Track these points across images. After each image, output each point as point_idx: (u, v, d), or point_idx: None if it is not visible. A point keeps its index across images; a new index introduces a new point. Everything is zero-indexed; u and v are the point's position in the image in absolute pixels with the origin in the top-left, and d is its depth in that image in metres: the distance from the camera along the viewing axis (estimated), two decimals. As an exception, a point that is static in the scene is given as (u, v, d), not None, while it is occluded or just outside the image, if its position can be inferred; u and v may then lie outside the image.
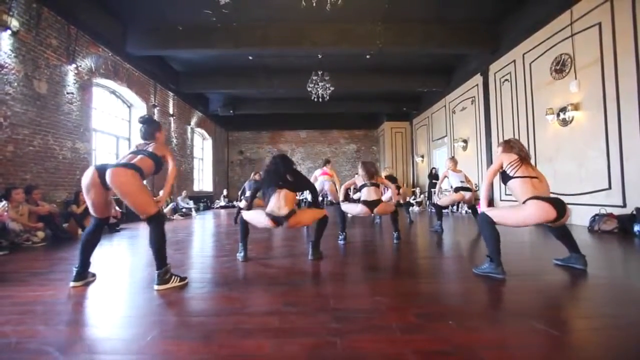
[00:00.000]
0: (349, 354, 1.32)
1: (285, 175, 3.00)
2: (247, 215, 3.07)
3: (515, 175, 2.50)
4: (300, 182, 3.11)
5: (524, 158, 2.55)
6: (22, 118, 4.91)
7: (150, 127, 2.57)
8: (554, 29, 5.93)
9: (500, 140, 7.23)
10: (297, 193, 3.14)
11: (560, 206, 2.35)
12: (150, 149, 2.43)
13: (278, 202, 2.90)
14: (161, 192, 2.56)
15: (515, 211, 2.43)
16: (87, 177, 2.21)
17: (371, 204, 4.00)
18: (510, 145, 2.68)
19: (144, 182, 2.36)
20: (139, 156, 2.37)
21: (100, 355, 1.36)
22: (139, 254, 3.72)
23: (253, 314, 1.79)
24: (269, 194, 2.96)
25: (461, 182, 5.02)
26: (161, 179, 9.17)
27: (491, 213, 2.46)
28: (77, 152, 6.03)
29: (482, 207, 2.57)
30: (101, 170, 2.18)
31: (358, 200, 4.30)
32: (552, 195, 2.50)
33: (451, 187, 5.22)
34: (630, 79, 4.62)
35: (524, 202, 2.43)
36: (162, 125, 2.83)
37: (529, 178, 2.47)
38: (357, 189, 4.24)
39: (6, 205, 3.02)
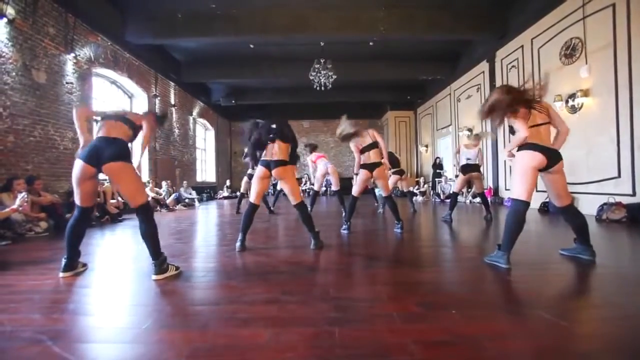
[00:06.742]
0: (348, 344, 1.28)
1: (282, 129, 3.10)
2: (252, 192, 3.16)
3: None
4: (292, 134, 3.21)
5: (531, 107, 2.38)
6: (22, 108, 4.88)
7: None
8: (564, 11, 5.71)
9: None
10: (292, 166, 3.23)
11: (550, 153, 2.36)
12: (127, 116, 2.51)
13: (271, 150, 3.06)
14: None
15: (515, 173, 2.43)
16: (78, 170, 2.24)
17: (370, 166, 3.91)
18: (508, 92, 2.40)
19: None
20: (118, 122, 2.42)
21: (92, 344, 1.34)
22: (140, 243, 3.71)
23: (251, 303, 1.76)
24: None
25: (467, 159, 4.84)
26: (165, 169, 9.16)
27: (515, 195, 2.36)
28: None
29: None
30: (92, 163, 2.21)
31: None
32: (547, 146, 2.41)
33: (458, 166, 5.02)
34: (643, 63, 4.45)
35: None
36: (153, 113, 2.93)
37: (536, 127, 2.39)
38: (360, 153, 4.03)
39: (26, 196, 3.04)
